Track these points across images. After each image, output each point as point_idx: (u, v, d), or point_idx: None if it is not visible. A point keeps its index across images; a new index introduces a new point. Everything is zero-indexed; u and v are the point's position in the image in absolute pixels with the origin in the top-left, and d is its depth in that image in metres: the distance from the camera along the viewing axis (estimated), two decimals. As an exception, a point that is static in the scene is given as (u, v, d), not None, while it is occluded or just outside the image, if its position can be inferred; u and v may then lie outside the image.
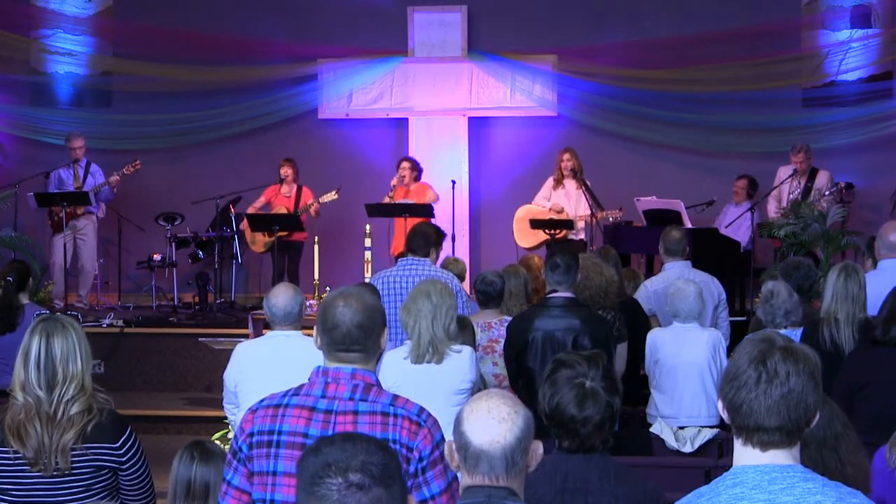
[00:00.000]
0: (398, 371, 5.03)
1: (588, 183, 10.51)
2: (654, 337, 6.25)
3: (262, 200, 11.15)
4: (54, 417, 3.50)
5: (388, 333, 5.99)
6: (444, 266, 7.53)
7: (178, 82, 12.25)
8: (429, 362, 5.03)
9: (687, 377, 6.07)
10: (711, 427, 5.87)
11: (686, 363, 6.08)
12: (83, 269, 11.26)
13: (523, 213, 10.91)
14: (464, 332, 5.46)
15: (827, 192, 10.12)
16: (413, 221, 9.41)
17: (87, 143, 11.36)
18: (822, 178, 10.38)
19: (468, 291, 7.68)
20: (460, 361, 5.06)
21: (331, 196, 10.84)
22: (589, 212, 10.33)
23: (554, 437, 3.21)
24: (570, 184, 10.61)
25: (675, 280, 6.51)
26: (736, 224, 10.25)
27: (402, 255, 7.80)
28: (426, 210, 10.39)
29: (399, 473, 2.09)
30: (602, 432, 3.15)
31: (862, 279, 5.49)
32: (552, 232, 10.42)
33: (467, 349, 5.18)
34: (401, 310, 5.20)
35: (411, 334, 5.07)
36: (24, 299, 6.95)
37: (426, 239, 6.73)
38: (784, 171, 10.49)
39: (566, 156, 10.63)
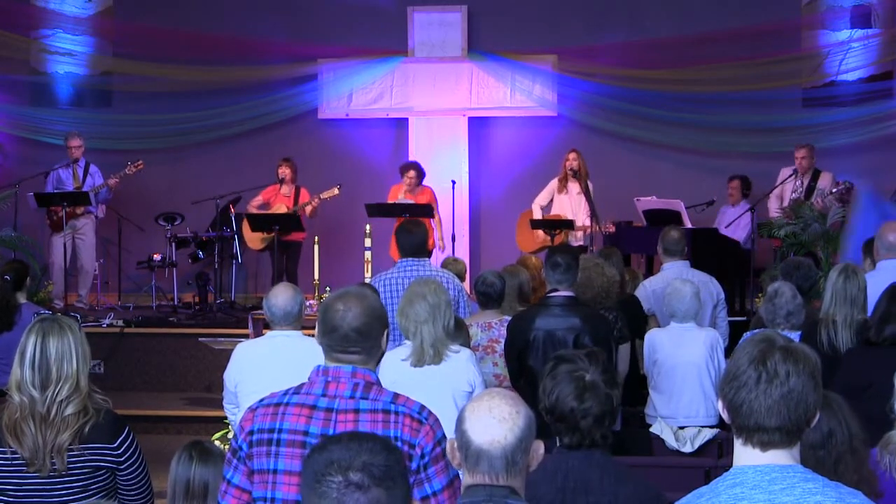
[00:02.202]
0: (397, 372, 5.02)
1: (591, 188, 10.48)
2: (653, 337, 6.25)
3: (259, 199, 11.13)
4: (47, 417, 3.50)
5: (391, 335, 6.00)
6: (444, 266, 7.52)
7: (178, 82, 12.25)
8: (428, 364, 5.03)
9: (685, 377, 6.07)
10: (710, 427, 5.87)
11: (684, 363, 6.08)
12: (82, 269, 11.26)
13: (524, 217, 10.90)
14: (458, 332, 5.45)
15: (834, 191, 10.12)
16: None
17: (87, 144, 11.36)
18: (825, 179, 10.38)
19: (468, 291, 7.68)
20: (459, 363, 5.05)
21: (332, 192, 10.83)
22: (589, 219, 10.32)
23: (554, 435, 3.21)
24: (574, 186, 10.58)
25: (673, 280, 6.51)
26: (735, 223, 10.26)
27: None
28: (426, 210, 10.39)
29: (403, 476, 2.09)
30: (602, 426, 3.16)
31: (862, 281, 5.49)
32: (552, 233, 10.41)
33: (466, 351, 5.17)
34: (397, 314, 5.16)
35: (412, 339, 5.04)
36: (22, 298, 6.94)
37: (425, 238, 6.71)
38: (787, 171, 10.51)
39: (572, 155, 10.58)
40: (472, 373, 5.06)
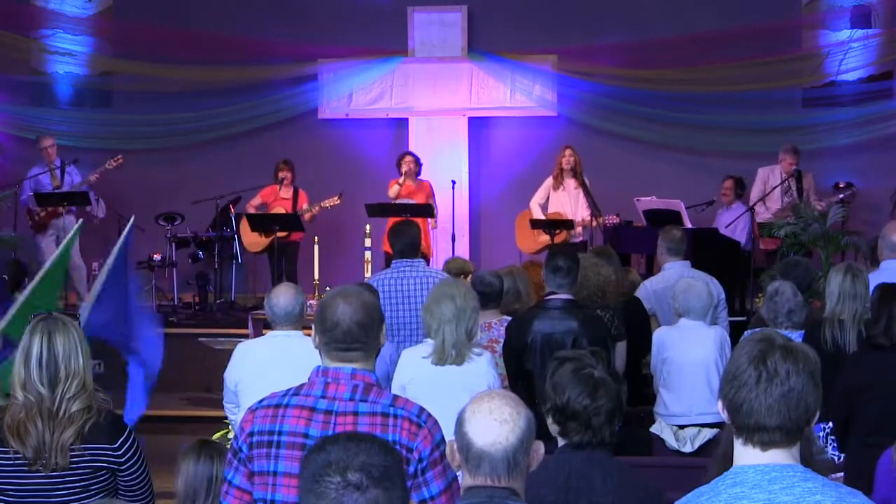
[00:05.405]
0: (417, 370, 5.04)
1: (587, 182, 10.49)
2: (662, 335, 6.21)
3: (258, 200, 11.13)
4: (56, 414, 3.50)
5: (389, 335, 6.01)
6: (446, 265, 7.50)
7: (178, 82, 12.24)
8: (450, 364, 5.05)
9: (697, 375, 6.03)
10: (722, 424, 5.84)
11: (695, 361, 6.03)
12: (75, 267, 11.19)
13: (524, 217, 10.90)
14: None
15: (841, 195, 10.15)
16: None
17: (86, 143, 11.36)
18: (808, 180, 10.44)
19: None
20: (480, 366, 5.08)
21: (333, 201, 10.84)
22: (588, 213, 10.32)
23: (558, 436, 3.21)
24: (570, 183, 10.60)
25: (684, 278, 6.49)
26: (734, 225, 10.26)
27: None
28: (427, 210, 10.39)
29: (401, 477, 2.09)
30: (612, 423, 3.18)
31: (866, 279, 5.50)
32: (552, 232, 10.40)
33: (487, 354, 5.20)
34: (423, 310, 5.21)
35: (434, 336, 5.08)
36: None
37: (416, 238, 6.70)
38: (764, 172, 10.56)
39: (567, 153, 10.60)
40: (491, 376, 5.10)
